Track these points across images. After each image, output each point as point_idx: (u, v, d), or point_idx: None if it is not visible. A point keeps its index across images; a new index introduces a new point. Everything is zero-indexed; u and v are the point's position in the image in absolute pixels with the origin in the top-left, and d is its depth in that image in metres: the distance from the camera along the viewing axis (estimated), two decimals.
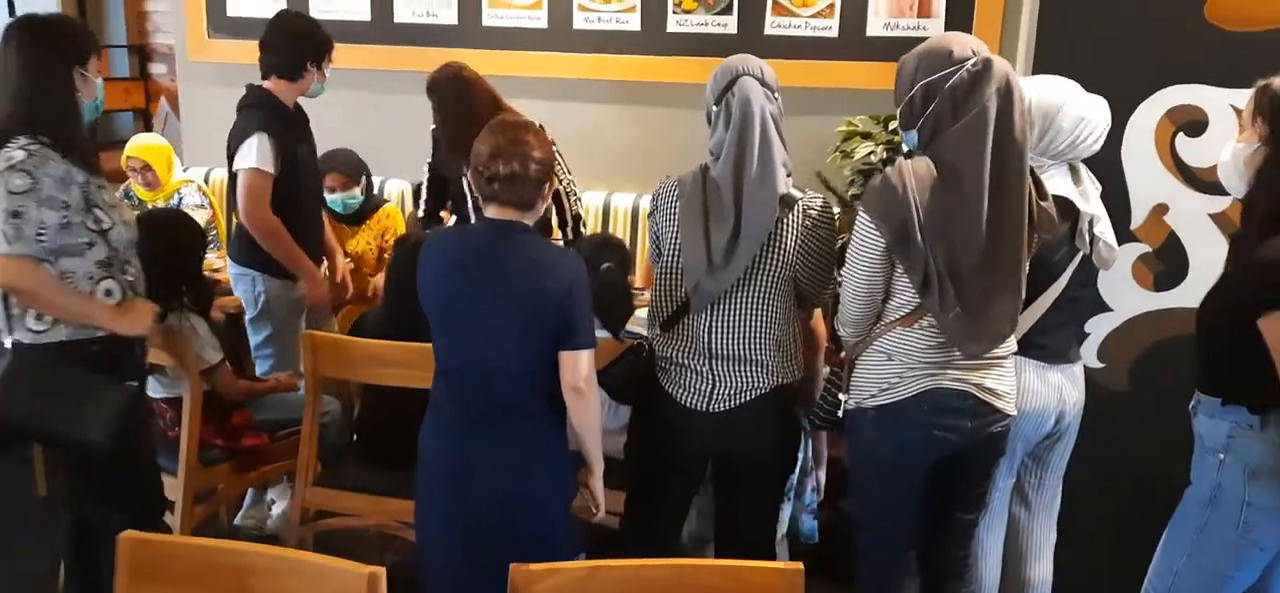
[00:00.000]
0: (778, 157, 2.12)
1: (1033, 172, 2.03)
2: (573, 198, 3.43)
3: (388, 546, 3.07)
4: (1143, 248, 2.57)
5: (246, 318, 3.29)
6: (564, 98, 4.23)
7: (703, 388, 2.22)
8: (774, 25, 4.11)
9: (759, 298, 2.18)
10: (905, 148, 2.13)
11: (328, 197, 3.75)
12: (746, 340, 2.19)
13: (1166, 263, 2.57)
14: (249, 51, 3.25)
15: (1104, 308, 2.62)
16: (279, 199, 3.09)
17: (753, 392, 2.21)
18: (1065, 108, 2.20)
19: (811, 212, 2.17)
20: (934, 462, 2.12)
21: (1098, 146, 2.28)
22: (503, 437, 2.13)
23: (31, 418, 2.27)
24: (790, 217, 2.15)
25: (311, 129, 3.31)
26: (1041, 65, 2.52)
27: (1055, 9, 2.57)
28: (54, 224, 2.21)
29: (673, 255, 2.22)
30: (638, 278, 3.83)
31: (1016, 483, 2.50)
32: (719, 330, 2.19)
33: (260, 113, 3.08)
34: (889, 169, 2.00)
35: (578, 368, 2.07)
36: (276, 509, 3.37)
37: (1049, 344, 2.32)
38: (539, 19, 4.31)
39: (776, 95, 2.17)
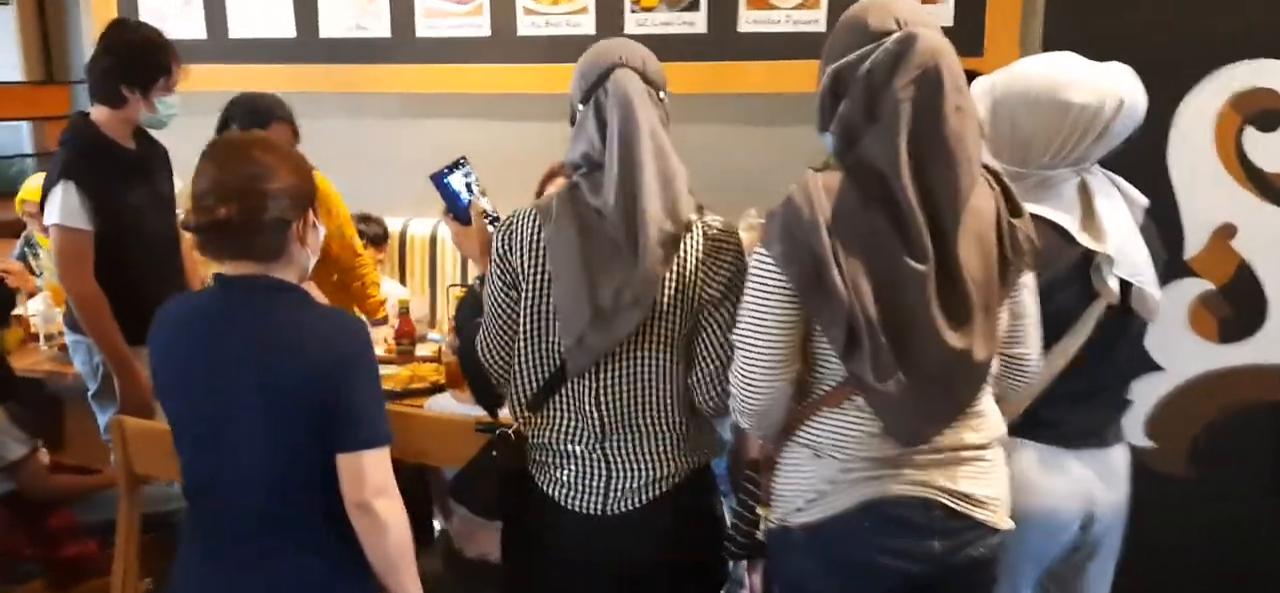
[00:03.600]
0: (677, 171, 1.64)
1: (1000, 178, 1.52)
2: None
3: None
4: (1203, 285, 2.18)
5: (88, 393, 2.77)
6: (509, 115, 3.83)
7: (595, 483, 1.68)
8: (750, 21, 3.55)
9: (659, 345, 1.66)
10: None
11: None
12: (647, 405, 1.67)
13: (1236, 305, 2.18)
14: None
15: (1152, 366, 2.10)
16: (111, 259, 2.58)
17: (664, 481, 1.68)
18: (1041, 99, 1.65)
19: (713, 229, 1.69)
20: None
21: (1120, 137, 1.68)
22: (262, 583, 1.59)
23: None
24: (690, 240, 1.66)
25: (165, 165, 2.80)
26: (1053, 42, 2.03)
27: None
28: None
29: (537, 307, 1.67)
30: None
31: None
32: (609, 397, 1.66)
33: (67, 154, 2.57)
34: (793, 188, 1.46)
35: (361, 476, 1.56)
36: None
37: (1067, 420, 1.76)
38: (480, 27, 3.87)
39: (664, 95, 1.68)
